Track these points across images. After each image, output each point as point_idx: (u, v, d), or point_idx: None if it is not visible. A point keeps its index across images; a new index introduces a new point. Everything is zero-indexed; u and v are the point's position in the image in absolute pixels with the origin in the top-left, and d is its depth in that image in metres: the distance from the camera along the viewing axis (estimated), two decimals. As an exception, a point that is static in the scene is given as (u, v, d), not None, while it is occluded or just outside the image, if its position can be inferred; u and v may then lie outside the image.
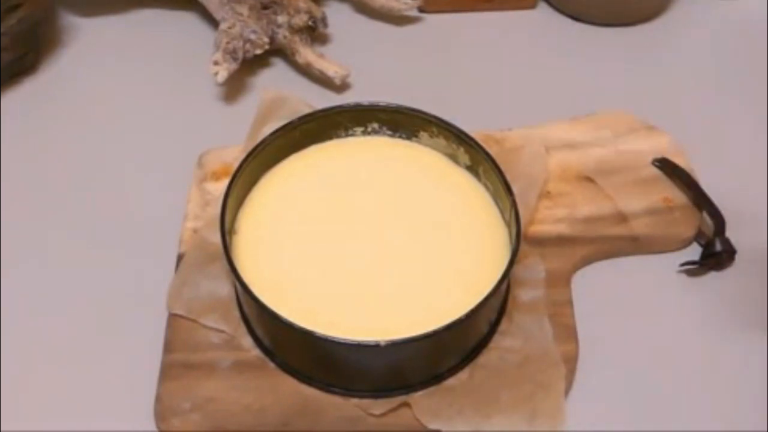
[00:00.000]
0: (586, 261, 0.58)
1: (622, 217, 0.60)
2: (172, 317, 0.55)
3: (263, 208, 0.57)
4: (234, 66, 0.67)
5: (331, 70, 0.69)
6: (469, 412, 0.50)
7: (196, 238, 0.58)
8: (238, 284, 0.51)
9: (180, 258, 0.57)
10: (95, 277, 0.58)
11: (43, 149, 0.67)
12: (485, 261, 0.54)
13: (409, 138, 0.61)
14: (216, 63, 0.67)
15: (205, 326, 0.54)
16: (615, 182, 0.61)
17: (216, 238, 0.53)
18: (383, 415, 0.51)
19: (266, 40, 0.69)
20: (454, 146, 0.59)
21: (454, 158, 0.59)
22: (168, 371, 0.52)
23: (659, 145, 0.64)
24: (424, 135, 0.60)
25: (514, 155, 0.61)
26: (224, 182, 0.55)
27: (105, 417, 0.52)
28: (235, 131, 0.63)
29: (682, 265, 0.58)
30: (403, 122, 0.60)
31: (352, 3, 0.78)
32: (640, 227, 0.59)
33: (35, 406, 0.52)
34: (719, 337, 0.55)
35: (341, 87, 0.70)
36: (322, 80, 0.70)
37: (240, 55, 0.68)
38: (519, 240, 0.52)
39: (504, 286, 0.51)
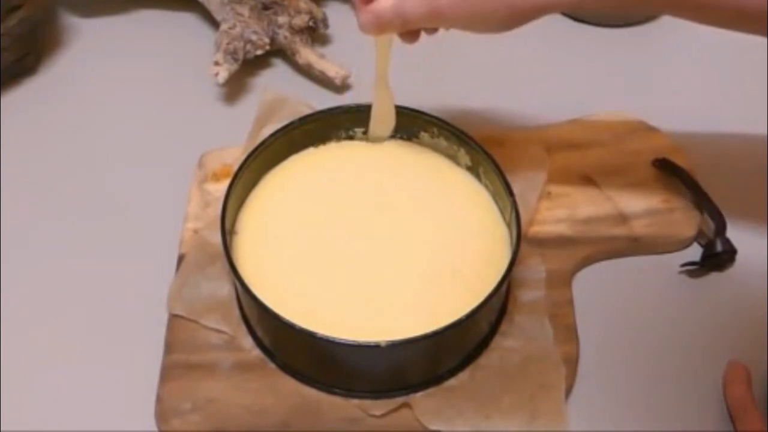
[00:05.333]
0: (587, 261, 0.58)
1: (622, 218, 0.60)
2: (173, 318, 0.55)
3: (264, 208, 0.57)
4: (234, 66, 0.67)
5: (332, 70, 0.69)
6: (470, 412, 0.50)
7: (197, 238, 0.58)
8: (238, 285, 0.51)
9: (180, 259, 0.57)
10: (96, 277, 0.58)
11: (43, 149, 0.67)
12: (486, 261, 0.54)
13: (409, 138, 0.61)
14: (217, 63, 0.67)
15: (205, 327, 0.54)
16: (615, 183, 0.61)
17: (216, 238, 0.53)
18: (384, 415, 0.51)
19: (267, 40, 0.69)
20: (455, 147, 0.59)
21: (454, 159, 0.59)
22: (168, 372, 0.52)
23: (659, 145, 0.64)
24: (424, 135, 0.60)
25: (514, 156, 0.61)
26: (225, 183, 0.56)
27: (106, 417, 0.52)
28: (235, 132, 0.63)
29: (683, 265, 0.58)
30: (403, 123, 0.60)
31: (352, 3, 0.78)
32: (640, 228, 0.59)
33: (35, 407, 0.52)
34: (720, 337, 0.55)
35: (342, 88, 0.70)
36: (323, 81, 0.70)
37: (240, 55, 0.68)
38: (519, 240, 0.52)
39: (504, 287, 0.51)
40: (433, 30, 0.54)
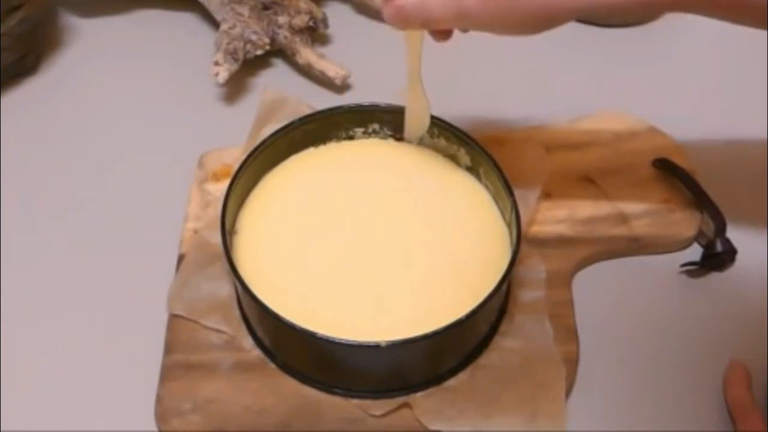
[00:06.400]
0: (587, 261, 0.58)
1: (622, 218, 0.60)
2: (173, 318, 0.55)
3: (264, 208, 0.57)
4: (235, 66, 0.67)
5: (332, 70, 0.69)
6: (470, 412, 0.50)
7: (197, 238, 0.58)
8: (238, 285, 0.51)
9: (180, 259, 0.57)
10: (96, 278, 0.58)
11: (43, 150, 0.67)
12: (486, 261, 0.54)
13: (409, 139, 0.61)
14: (217, 63, 0.67)
15: (205, 327, 0.54)
16: (615, 182, 0.61)
17: (216, 238, 0.53)
18: (384, 415, 0.51)
19: (267, 40, 0.69)
20: (455, 147, 0.59)
21: (454, 159, 0.59)
22: (168, 372, 0.52)
23: (659, 145, 0.64)
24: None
25: (514, 156, 0.61)
26: (225, 183, 0.56)
27: (106, 417, 0.52)
28: (235, 132, 0.63)
29: (683, 265, 0.58)
30: (403, 123, 0.60)
31: (352, 3, 0.78)
32: (640, 228, 0.59)
33: (35, 407, 0.52)
34: (720, 337, 0.55)
35: (342, 88, 0.70)
36: (323, 81, 0.70)
37: (241, 55, 0.68)
38: (519, 240, 0.52)
39: (504, 287, 0.51)
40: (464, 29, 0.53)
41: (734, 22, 0.48)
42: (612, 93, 0.70)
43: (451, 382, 0.52)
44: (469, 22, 0.48)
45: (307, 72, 0.71)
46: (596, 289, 0.57)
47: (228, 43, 0.68)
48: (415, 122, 0.59)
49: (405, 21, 0.50)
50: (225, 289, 0.55)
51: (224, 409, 0.51)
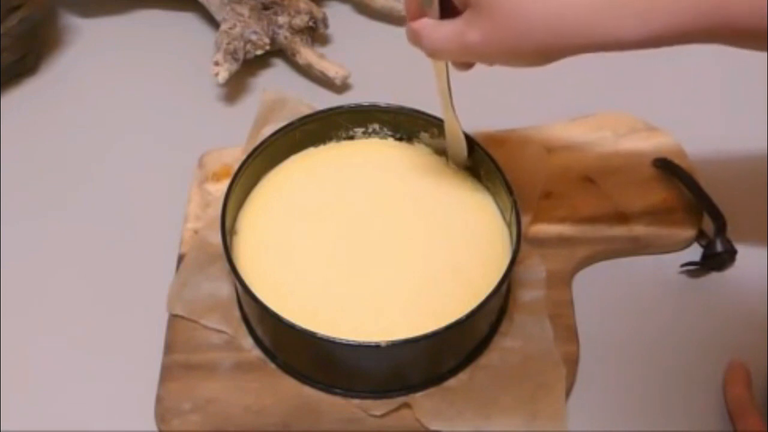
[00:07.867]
0: (587, 261, 0.58)
1: (622, 218, 0.60)
2: (173, 318, 0.55)
3: (264, 208, 0.57)
4: (235, 66, 0.67)
5: (332, 70, 0.69)
6: (470, 412, 0.50)
7: (197, 238, 0.58)
8: (238, 285, 0.51)
9: (180, 259, 0.57)
10: (96, 277, 0.58)
11: (43, 150, 0.67)
12: (486, 262, 0.54)
13: (410, 139, 0.61)
14: (217, 63, 0.67)
15: (205, 327, 0.54)
16: (615, 182, 0.61)
17: (216, 238, 0.53)
18: (384, 415, 0.51)
19: (267, 40, 0.69)
20: (455, 147, 0.59)
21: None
22: (168, 372, 0.52)
23: (659, 145, 0.64)
24: (425, 136, 0.60)
25: (514, 156, 0.61)
26: (225, 183, 0.56)
27: (105, 417, 0.52)
28: (235, 132, 0.63)
29: (683, 265, 0.58)
30: (403, 123, 0.60)
31: (352, 3, 0.78)
32: (640, 228, 0.59)
33: (35, 407, 0.52)
34: (720, 337, 0.55)
35: (342, 88, 0.70)
36: (323, 81, 0.70)
37: (241, 55, 0.68)
38: (519, 240, 0.52)
39: (504, 287, 0.51)
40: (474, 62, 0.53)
41: (746, 48, 0.48)
42: (612, 93, 0.70)
43: (451, 382, 0.52)
44: (474, 56, 0.49)
45: (307, 72, 0.71)
46: (596, 289, 0.57)
47: (228, 43, 0.68)
48: (450, 146, 0.58)
49: (418, 45, 0.51)
50: (225, 289, 0.56)
51: (224, 409, 0.51)
